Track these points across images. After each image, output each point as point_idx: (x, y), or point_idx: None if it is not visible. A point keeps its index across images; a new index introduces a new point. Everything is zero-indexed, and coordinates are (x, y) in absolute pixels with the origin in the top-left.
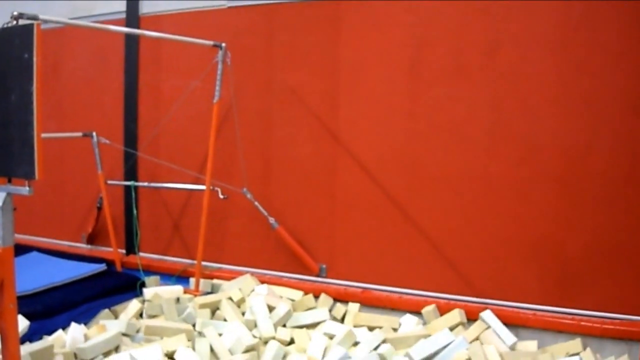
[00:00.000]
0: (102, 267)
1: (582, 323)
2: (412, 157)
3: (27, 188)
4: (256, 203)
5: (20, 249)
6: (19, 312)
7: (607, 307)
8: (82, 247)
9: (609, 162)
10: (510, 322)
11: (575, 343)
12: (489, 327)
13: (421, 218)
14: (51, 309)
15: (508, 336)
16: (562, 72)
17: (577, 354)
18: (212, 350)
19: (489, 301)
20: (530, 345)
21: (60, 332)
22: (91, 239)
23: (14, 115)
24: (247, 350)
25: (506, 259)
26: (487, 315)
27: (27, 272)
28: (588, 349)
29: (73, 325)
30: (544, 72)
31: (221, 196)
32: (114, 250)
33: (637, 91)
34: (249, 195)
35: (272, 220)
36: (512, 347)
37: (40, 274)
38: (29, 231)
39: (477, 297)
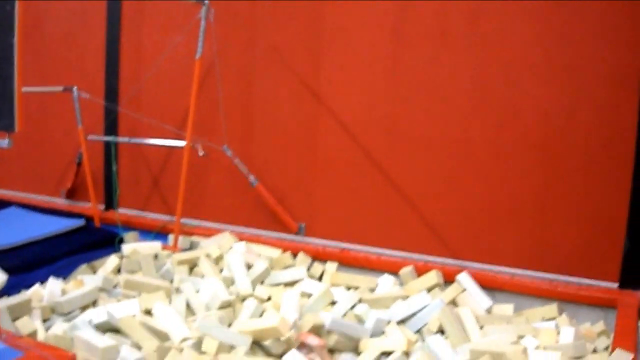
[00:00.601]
0: (80, 222)
1: (559, 288)
2: (393, 118)
3: (7, 140)
4: (236, 160)
5: None
6: None
7: (584, 273)
8: (61, 202)
9: (589, 129)
10: (487, 285)
11: (552, 308)
12: (465, 289)
13: (401, 179)
14: (29, 264)
15: (484, 299)
16: (544, 41)
17: (553, 318)
18: (188, 306)
19: (466, 263)
20: (506, 308)
21: (38, 286)
22: (70, 195)
23: None
24: (223, 306)
25: (484, 222)
26: (464, 277)
27: (5, 226)
28: (564, 314)
29: (51, 279)
30: (526, 40)
31: (200, 153)
32: (92, 206)
33: (618, 61)
34: (229, 153)
35: (251, 178)
36: (488, 310)
37: (18, 229)
38: (8, 186)
39: (454, 259)
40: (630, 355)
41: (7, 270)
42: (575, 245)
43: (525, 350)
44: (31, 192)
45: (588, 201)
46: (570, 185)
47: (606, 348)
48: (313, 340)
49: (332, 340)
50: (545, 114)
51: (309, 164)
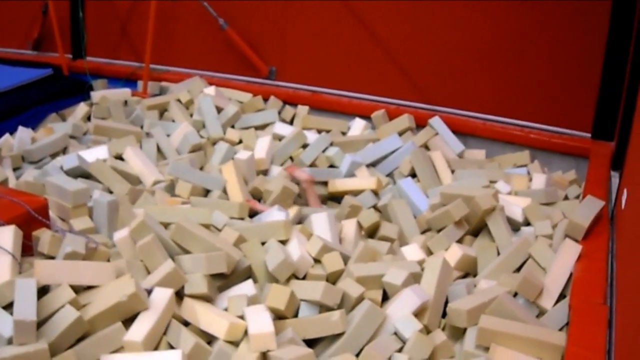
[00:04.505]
0: (48, 71)
1: (531, 135)
2: None
3: None
4: (205, 3)
5: None
6: None
7: (557, 122)
8: (28, 53)
9: None
10: (459, 130)
11: (524, 155)
12: (437, 133)
13: (374, 23)
14: None
15: (456, 143)
16: None
17: (525, 165)
18: (159, 150)
19: (439, 108)
20: (478, 154)
21: (7, 136)
22: (37, 45)
23: None
24: (193, 150)
25: (457, 67)
26: (436, 121)
27: None
28: (536, 162)
29: (20, 128)
30: None
31: None
32: (60, 55)
33: None
34: None
35: (221, 21)
36: (460, 155)
37: None
38: None
39: (427, 103)
40: (602, 202)
41: None
42: (549, 93)
43: (496, 195)
44: None
45: (564, 48)
46: (546, 31)
47: (577, 196)
48: (301, 174)
49: None
50: None
51: (281, 6)
